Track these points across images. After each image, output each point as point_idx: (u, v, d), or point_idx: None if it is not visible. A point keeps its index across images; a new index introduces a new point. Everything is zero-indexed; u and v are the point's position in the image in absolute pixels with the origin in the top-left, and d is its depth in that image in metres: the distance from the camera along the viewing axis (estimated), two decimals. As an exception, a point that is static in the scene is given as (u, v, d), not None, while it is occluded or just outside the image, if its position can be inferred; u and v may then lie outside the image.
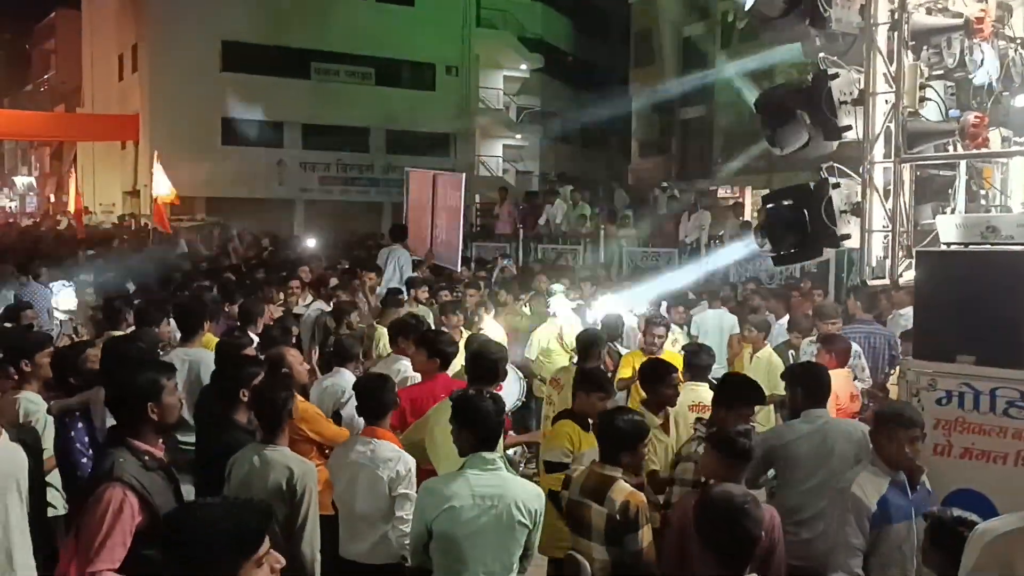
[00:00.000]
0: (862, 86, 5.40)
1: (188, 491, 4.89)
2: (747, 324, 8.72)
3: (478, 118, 35.52)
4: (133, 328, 6.97)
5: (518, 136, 37.34)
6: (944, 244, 5.29)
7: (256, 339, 6.66)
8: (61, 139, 37.76)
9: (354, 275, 10.51)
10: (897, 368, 6.15)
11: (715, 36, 29.58)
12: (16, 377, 5.31)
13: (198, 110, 28.95)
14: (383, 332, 8.00)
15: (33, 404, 5.13)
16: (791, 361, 7.58)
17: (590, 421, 5.13)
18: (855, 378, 7.08)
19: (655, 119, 33.60)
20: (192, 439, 5.53)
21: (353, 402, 5.79)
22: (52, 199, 40.49)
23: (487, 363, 5.30)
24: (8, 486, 3.84)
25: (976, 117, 5.28)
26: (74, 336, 7.37)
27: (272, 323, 7.61)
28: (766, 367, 7.98)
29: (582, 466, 4.64)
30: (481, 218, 23.71)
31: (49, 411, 4.88)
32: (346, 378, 6.12)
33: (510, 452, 5.21)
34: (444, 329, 7.34)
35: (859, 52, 5.50)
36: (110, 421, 3.98)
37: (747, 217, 19.34)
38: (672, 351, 7.65)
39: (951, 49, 5.39)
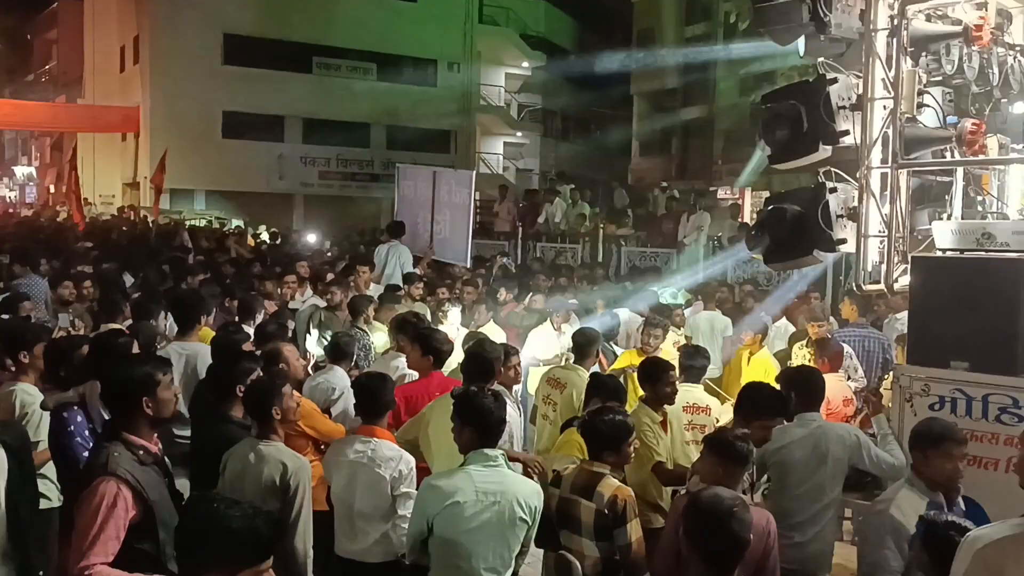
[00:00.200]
0: (860, 91, 5.41)
1: (183, 484, 4.93)
2: (743, 326, 8.74)
3: (479, 115, 35.51)
4: (130, 321, 6.99)
5: (519, 134, 37.33)
6: (940, 250, 5.31)
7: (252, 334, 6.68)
8: (61, 130, 37.66)
9: (351, 271, 10.51)
10: (891, 373, 6.16)
11: (717, 36, 29.55)
12: (13, 369, 5.33)
13: (199, 103, 28.95)
14: (377, 327, 8.03)
15: (29, 396, 5.14)
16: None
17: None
18: (848, 379, 7.12)
19: (656, 119, 33.60)
20: (188, 432, 5.54)
21: (344, 400, 5.84)
22: (52, 189, 40.44)
23: (483, 362, 5.32)
24: None
25: (973, 124, 5.29)
26: (71, 329, 7.35)
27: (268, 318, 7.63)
28: (763, 370, 8.01)
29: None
30: (480, 216, 23.70)
31: (45, 405, 4.88)
32: (338, 376, 6.13)
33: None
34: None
35: (858, 57, 5.51)
36: (106, 415, 3.99)
37: (746, 218, 19.35)
38: (670, 352, 7.67)
39: (950, 56, 5.40)
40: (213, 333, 6.65)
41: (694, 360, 6.42)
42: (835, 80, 5.35)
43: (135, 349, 5.65)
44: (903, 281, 5.44)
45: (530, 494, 4.05)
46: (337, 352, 6.35)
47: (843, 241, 5.41)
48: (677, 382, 5.88)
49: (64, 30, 43.13)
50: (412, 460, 4.68)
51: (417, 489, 4.46)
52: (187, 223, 20.94)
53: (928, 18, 5.46)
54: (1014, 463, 4.54)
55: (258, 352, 5.72)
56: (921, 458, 4.21)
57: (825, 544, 5.12)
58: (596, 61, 34.50)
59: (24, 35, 50.65)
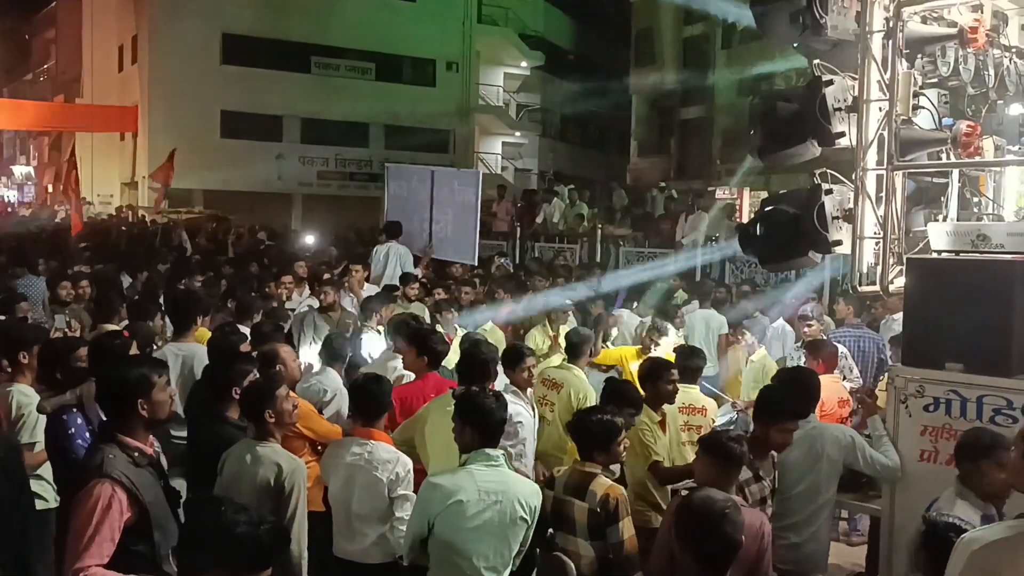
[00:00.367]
0: (856, 93, 5.42)
1: (180, 485, 4.93)
2: (740, 327, 8.76)
3: (477, 115, 35.51)
4: (126, 322, 6.99)
5: (517, 134, 37.32)
6: (935, 251, 5.32)
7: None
8: (60, 129, 37.66)
9: (348, 271, 10.52)
10: (885, 374, 6.18)
11: (715, 37, 29.58)
12: (9, 370, 5.33)
13: (198, 102, 28.92)
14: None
15: (25, 397, 5.14)
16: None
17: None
18: (844, 379, 7.13)
19: (654, 119, 33.61)
20: (185, 433, 5.55)
21: (336, 402, 5.84)
22: (50, 189, 40.41)
23: (478, 362, 5.33)
24: None
25: (968, 126, 5.30)
26: (67, 330, 7.35)
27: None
28: (760, 370, 8.04)
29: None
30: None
31: (42, 408, 4.88)
32: (331, 377, 6.13)
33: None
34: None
35: (854, 59, 5.52)
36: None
37: (744, 219, 19.34)
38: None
39: (945, 58, 5.41)
40: (210, 334, 6.65)
41: (690, 360, 6.43)
42: (831, 82, 5.36)
43: (134, 350, 5.66)
44: (898, 282, 5.45)
45: (530, 494, 4.07)
46: (330, 354, 6.34)
47: (839, 242, 5.42)
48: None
49: (62, 29, 43.11)
50: (409, 462, 4.69)
51: (415, 490, 4.47)
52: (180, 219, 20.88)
53: (924, 20, 5.47)
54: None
55: (254, 353, 5.71)
56: (973, 469, 4.08)
57: (821, 544, 5.14)
58: (595, 61, 34.60)
59: (22, 34, 50.62)
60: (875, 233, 5.45)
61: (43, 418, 4.91)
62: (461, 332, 8.04)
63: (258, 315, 7.63)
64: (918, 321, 5.14)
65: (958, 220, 5.56)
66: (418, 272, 11.25)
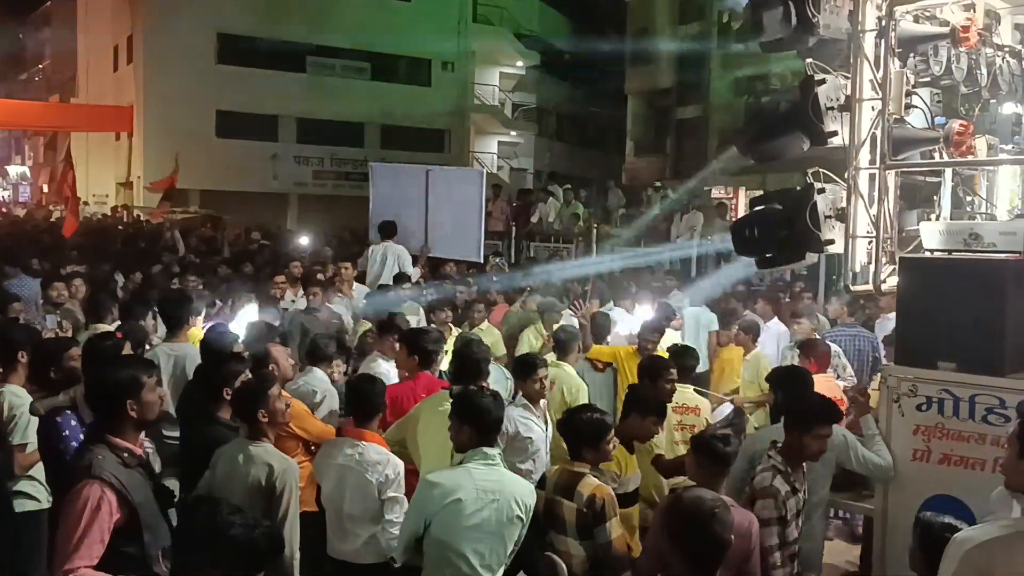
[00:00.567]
0: (849, 92, 5.41)
1: (173, 486, 4.92)
2: (735, 327, 8.76)
3: (473, 114, 35.50)
4: (119, 322, 6.97)
5: (513, 133, 37.30)
6: (928, 251, 5.33)
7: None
8: (55, 129, 37.57)
9: (338, 270, 10.52)
10: (878, 373, 6.17)
11: (711, 36, 29.56)
12: (1, 371, 5.32)
13: (193, 102, 28.86)
14: (367, 327, 8.03)
15: (17, 398, 5.13)
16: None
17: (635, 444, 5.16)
18: (838, 377, 7.14)
19: (650, 118, 33.60)
20: (177, 433, 5.53)
21: (328, 403, 5.82)
22: (46, 189, 40.33)
23: (470, 362, 5.33)
24: None
25: (961, 125, 5.30)
26: (59, 330, 7.33)
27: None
28: (755, 369, 8.05)
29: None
30: (474, 215, 23.64)
31: (35, 410, 4.87)
32: (318, 378, 6.12)
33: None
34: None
35: (846, 58, 5.52)
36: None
37: (736, 218, 19.32)
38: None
39: (938, 57, 5.41)
40: (201, 334, 6.63)
41: (684, 360, 6.44)
42: (823, 81, 5.36)
43: (127, 350, 5.65)
44: (891, 282, 5.45)
45: (526, 493, 4.10)
46: (316, 354, 6.32)
47: (831, 242, 5.42)
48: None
49: (57, 29, 43.01)
50: (400, 464, 4.69)
51: (409, 490, 4.46)
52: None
53: (916, 19, 5.46)
54: (1001, 463, 4.57)
55: (247, 353, 5.70)
56: None
57: (814, 543, 5.15)
58: (590, 60, 34.57)
59: (17, 34, 50.48)
60: (868, 232, 5.45)
61: (35, 419, 4.90)
62: (456, 332, 8.05)
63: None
64: (911, 320, 5.14)
65: (951, 219, 5.56)
66: (416, 271, 11.23)
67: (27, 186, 44.36)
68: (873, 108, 5.37)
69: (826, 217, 5.39)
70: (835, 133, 5.39)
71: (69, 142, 28.57)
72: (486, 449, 4.06)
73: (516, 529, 4.04)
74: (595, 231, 17.20)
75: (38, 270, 10.76)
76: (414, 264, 11.54)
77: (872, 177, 5.45)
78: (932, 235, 5.28)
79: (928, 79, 5.53)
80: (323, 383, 6.05)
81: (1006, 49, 5.89)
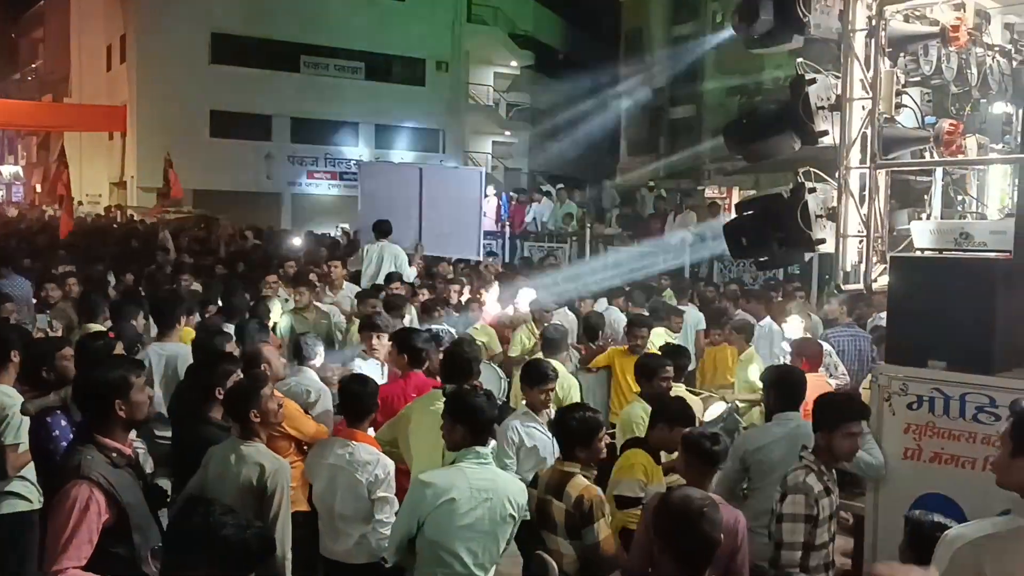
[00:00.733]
0: (839, 92, 5.42)
1: (165, 485, 4.91)
2: (729, 327, 8.77)
3: (467, 114, 35.49)
4: (110, 323, 6.96)
5: (507, 133, 37.32)
6: (918, 250, 5.34)
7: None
8: (48, 129, 37.51)
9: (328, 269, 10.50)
10: (869, 373, 6.19)
11: (704, 36, 29.59)
12: (-8, 371, 5.30)
13: (186, 102, 28.85)
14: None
15: (8, 398, 5.11)
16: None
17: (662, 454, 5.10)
18: (830, 376, 7.15)
19: (644, 118, 33.63)
20: (169, 433, 5.53)
21: (323, 401, 5.82)
22: (39, 189, 40.21)
23: (461, 361, 5.32)
24: None
25: (951, 124, 5.31)
26: (48, 330, 7.32)
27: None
28: (748, 369, 8.06)
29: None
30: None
31: (26, 410, 4.86)
32: (308, 377, 6.12)
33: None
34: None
35: (837, 57, 5.52)
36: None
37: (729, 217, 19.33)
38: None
39: (928, 56, 5.41)
40: (194, 333, 6.63)
41: (676, 359, 6.45)
42: (814, 80, 5.36)
43: (119, 350, 5.64)
44: (882, 281, 5.46)
45: (518, 492, 4.10)
46: (301, 354, 6.30)
47: (822, 241, 5.42)
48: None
49: (50, 29, 42.95)
50: (390, 464, 4.69)
51: (399, 491, 4.46)
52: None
53: (906, 19, 5.47)
54: (991, 462, 4.59)
55: (238, 353, 5.70)
56: None
57: (804, 542, 5.14)
58: (584, 60, 34.57)
59: (9, 34, 50.38)
60: (858, 231, 5.45)
61: (27, 419, 4.89)
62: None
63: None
64: (902, 319, 5.15)
65: (942, 218, 5.57)
66: (413, 271, 11.21)
67: (20, 186, 44.21)
68: (863, 107, 5.37)
69: (817, 217, 5.38)
70: (825, 132, 5.39)
71: (62, 141, 28.54)
72: (479, 448, 4.06)
73: (509, 528, 4.04)
74: (589, 230, 17.22)
75: (30, 270, 10.75)
76: (409, 263, 11.51)
77: (863, 176, 5.46)
78: (923, 234, 5.29)
79: (918, 79, 5.53)
80: (315, 382, 6.05)
81: (996, 49, 5.90)
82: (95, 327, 6.76)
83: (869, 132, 5.33)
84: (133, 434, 3.81)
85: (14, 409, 5.03)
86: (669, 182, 27.38)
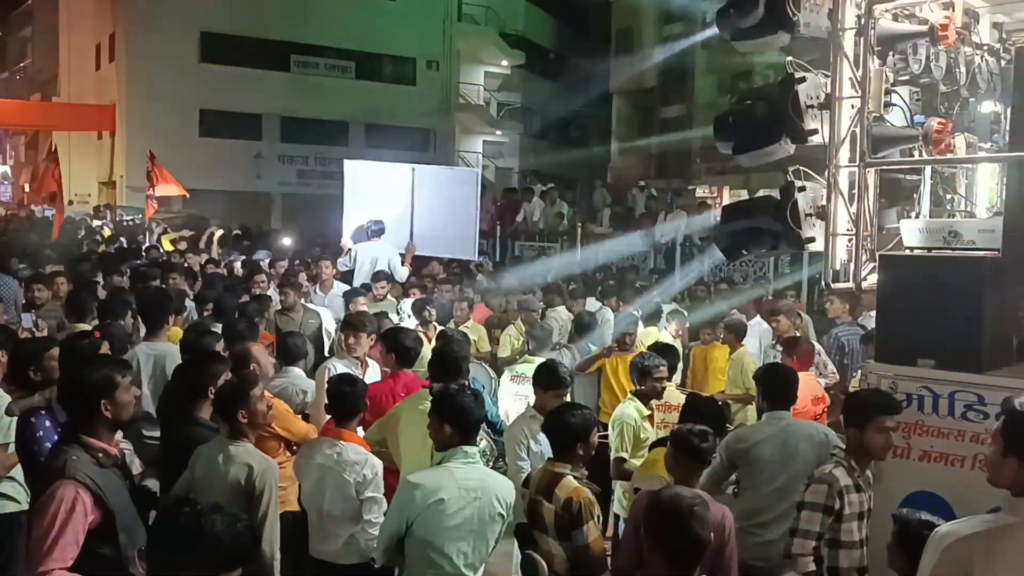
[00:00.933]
0: (829, 90, 5.43)
1: (154, 486, 4.89)
2: (720, 326, 8.77)
3: (458, 113, 35.47)
4: (97, 322, 6.92)
5: (498, 132, 37.28)
6: (907, 248, 5.35)
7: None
8: (37, 128, 37.31)
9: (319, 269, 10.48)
10: (859, 371, 6.21)
11: (695, 36, 29.63)
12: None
13: (176, 101, 28.72)
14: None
15: (-3, 398, 5.09)
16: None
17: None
18: (819, 375, 7.16)
19: (635, 117, 33.68)
20: (158, 433, 5.50)
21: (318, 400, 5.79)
22: (27, 188, 40.00)
23: (450, 360, 5.31)
24: None
25: (939, 123, 5.32)
26: (35, 329, 7.27)
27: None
28: (740, 367, 8.06)
29: None
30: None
31: (11, 411, 4.82)
32: (297, 376, 6.09)
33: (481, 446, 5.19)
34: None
35: (827, 56, 5.53)
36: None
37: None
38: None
39: (917, 55, 5.43)
40: (181, 333, 6.59)
41: (666, 358, 6.44)
42: (803, 79, 5.37)
43: (105, 350, 5.60)
44: (871, 279, 5.47)
45: (507, 490, 4.10)
46: (289, 354, 6.28)
47: (812, 239, 5.43)
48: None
49: (39, 27, 42.67)
50: (378, 464, 4.67)
51: (388, 491, 4.44)
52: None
53: (895, 17, 5.49)
54: (981, 459, 4.60)
55: (227, 353, 5.67)
56: None
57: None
58: (575, 60, 34.61)
59: (-2, 33, 50.11)
60: (848, 230, 5.47)
61: (14, 419, 4.85)
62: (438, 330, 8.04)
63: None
64: (891, 318, 5.15)
65: (931, 217, 5.59)
66: (405, 271, 11.20)
67: (8, 186, 43.95)
68: (853, 106, 5.39)
69: (807, 215, 5.40)
70: (815, 131, 5.40)
71: (51, 140, 28.42)
72: (466, 448, 4.05)
73: (498, 526, 4.04)
74: (580, 230, 17.24)
75: (18, 270, 10.68)
76: (403, 263, 11.49)
77: (852, 175, 5.47)
78: (912, 233, 5.30)
79: (907, 77, 5.55)
80: (306, 382, 6.03)
81: (985, 47, 5.92)
82: (82, 327, 6.72)
83: (858, 131, 5.34)
84: (119, 435, 3.78)
85: (1, 410, 5.00)
86: (660, 181, 27.42)
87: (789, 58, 5.54)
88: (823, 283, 5.91)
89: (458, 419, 4.07)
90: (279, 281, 9.65)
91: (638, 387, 5.94)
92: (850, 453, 4.38)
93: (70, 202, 26.56)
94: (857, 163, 5.38)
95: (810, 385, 6.56)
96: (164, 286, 9.66)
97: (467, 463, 4.02)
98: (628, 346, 7.70)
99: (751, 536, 4.88)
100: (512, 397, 6.82)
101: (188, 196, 20.66)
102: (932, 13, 5.48)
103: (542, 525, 4.26)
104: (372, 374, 6.35)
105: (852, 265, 5.48)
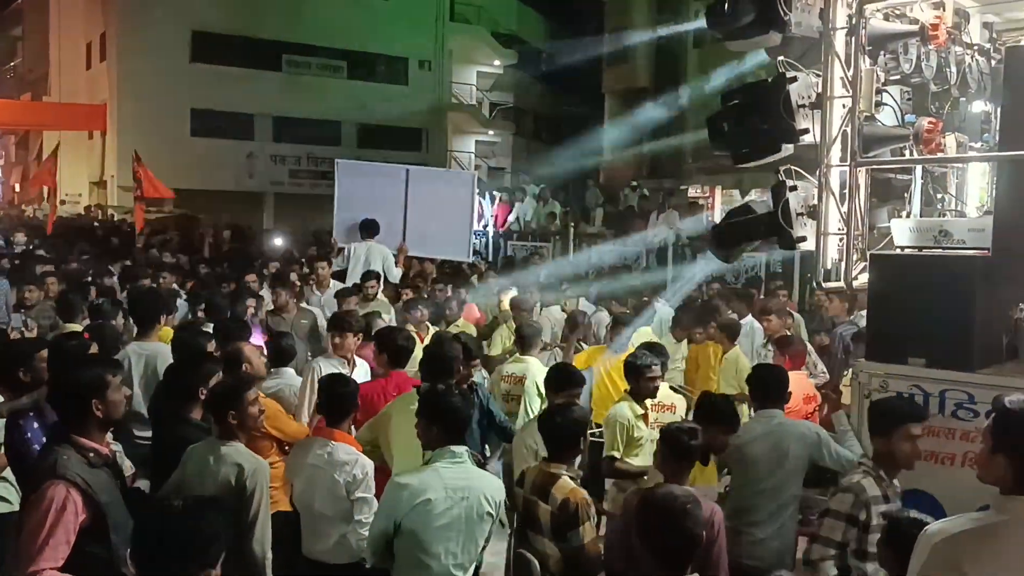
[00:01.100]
0: (820, 90, 5.45)
1: (146, 485, 4.88)
2: (714, 326, 8.78)
3: (450, 113, 35.44)
4: (88, 322, 6.90)
5: (490, 132, 37.28)
6: (898, 247, 5.37)
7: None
8: (27, 128, 37.16)
9: (314, 269, 10.47)
10: (850, 370, 6.22)
11: (687, 36, 29.66)
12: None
13: (167, 101, 28.62)
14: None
15: (-16, 399, 5.05)
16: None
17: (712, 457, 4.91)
18: (810, 375, 7.18)
19: (627, 117, 33.68)
20: (149, 433, 5.48)
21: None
22: (18, 188, 39.82)
23: (442, 360, 5.30)
24: None
25: (930, 123, 5.35)
26: (24, 329, 7.24)
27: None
28: (734, 368, 8.06)
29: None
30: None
31: None
32: (291, 377, 6.07)
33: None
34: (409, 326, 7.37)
35: (818, 56, 5.55)
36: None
37: (716, 218, 19.44)
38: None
39: (908, 55, 5.46)
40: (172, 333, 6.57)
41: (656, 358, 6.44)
42: (795, 79, 5.39)
43: (95, 350, 5.58)
44: (862, 279, 5.49)
45: (495, 489, 4.09)
46: (280, 355, 6.25)
47: (803, 239, 5.45)
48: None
49: (29, 26, 42.48)
50: (369, 464, 4.66)
51: (378, 491, 4.44)
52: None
53: (886, 17, 5.51)
54: (971, 457, 4.62)
55: (218, 353, 5.65)
56: None
57: (787, 540, 5.15)
58: (567, 59, 34.62)
59: (-12, 32, 49.85)
60: (839, 229, 5.49)
61: (2, 420, 4.82)
62: (432, 330, 8.04)
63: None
64: (882, 316, 5.17)
65: (921, 216, 5.61)
66: (399, 271, 11.19)
67: (-1, 185, 43.80)
68: (844, 106, 5.42)
69: (798, 214, 5.42)
70: (807, 131, 5.42)
71: (42, 139, 28.30)
72: (453, 448, 4.03)
73: (487, 526, 4.03)
74: (572, 230, 17.25)
75: (8, 269, 10.65)
76: (394, 263, 11.47)
77: (843, 174, 5.49)
78: (902, 232, 5.33)
79: (898, 77, 5.58)
80: (298, 382, 6.01)
81: (975, 47, 5.96)
82: (73, 327, 6.70)
83: (849, 130, 5.36)
84: (109, 436, 3.76)
85: (-11, 412, 4.97)
86: (652, 181, 27.43)
87: (780, 58, 5.55)
88: (814, 282, 5.92)
89: (445, 419, 4.05)
90: (271, 281, 9.63)
91: (631, 386, 5.92)
92: (878, 463, 4.25)
93: (62, 202, 26.46)
94: (848, 162, 5.40)
95: (802, 384, 6.57)
96: (155, 285, 9.64)
97: (454, 463, 4.01)
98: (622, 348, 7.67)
99: (742, 535, 4.89)
100: (502, 397, 6.81)
101: (173, 196, 20.50)
102: (923, 13, 5.51)
103: (537, 525, 4.26)
104: (359, 373, 6.33)
105: (843, 264, 5.50)
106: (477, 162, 36.27)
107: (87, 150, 33.98)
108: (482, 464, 5.08)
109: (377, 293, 9.57)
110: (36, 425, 4.59)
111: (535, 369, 6.69)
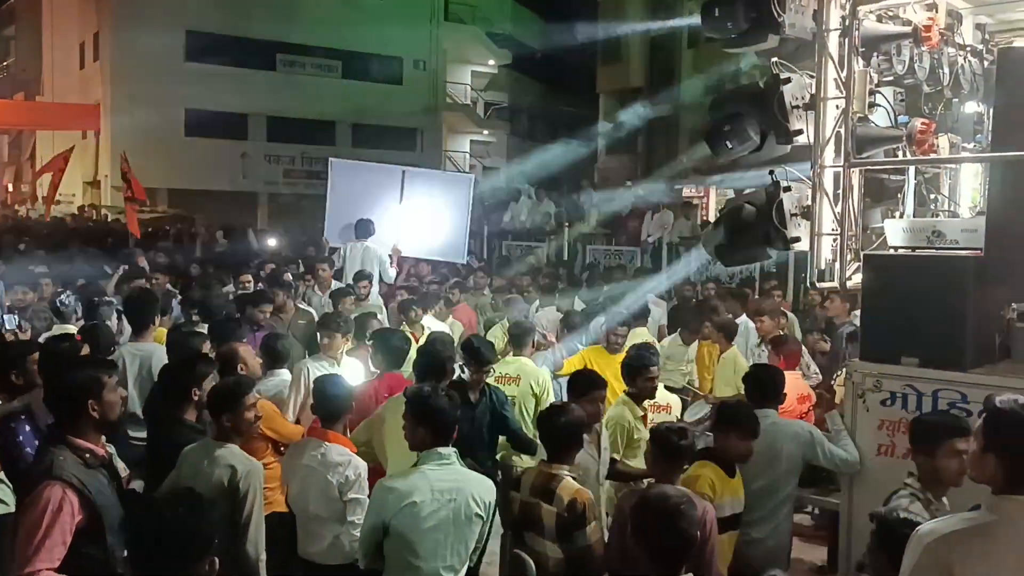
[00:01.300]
0: (814, 91, 5.46)
1: (139, 487, 4.87)
2: (710, 325, 8.79)
3: (445, 113, 35.45)
4: (82, 322, 6.89)
5: (485, 132, 37.30)
6: (892, 248, 5.39)
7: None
8: (20, 127, 37.04)
9: (310, 271, 10.46)
10: (843, 370, 6.24)
11: (682, 36, 29.70)
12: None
13: (161, 100, 28.53)
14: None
15: (-21, 401, 5.04)
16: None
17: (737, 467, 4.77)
18: (803, 375, 7.20)
19: (622, 117, 33.70)
20: (144, 434, 5.48)
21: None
22: (11, 188, 39.70)
23: (434, 361, 5.30)
24: None
25: (923, 123, 5.37)
26: (18, 331, 7.22)
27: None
28: (731, 368, 8.07)
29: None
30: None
31: None
32: (286, 376, 6.08)
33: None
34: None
35: (809, 54, 5.57)
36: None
37: (709, 217, 19.49)
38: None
39: (901, 56, 5.47)
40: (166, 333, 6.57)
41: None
42: (788, 80, 5.40)
43: (86, 351, 5.57)
44: (856, 279, 5.51)
45: (484, 490, 4.06)
46: (273, 356, 6.24)
47: (797, 239, 5.46)
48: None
49: (22, 26, 42.33)
50: (362, 465, 4.66)
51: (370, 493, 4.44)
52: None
53: (879, 19, 5.53)
54: (964, 457, 4.63)
55: (213, 354, 5.65)
56: None
57: (782, 539, 5.17)
58: (562, 59, 34.64)
59: (-19, 31, 49.65)
60: (833, 230, 5.50)
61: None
62: (427, 331, 8.03)
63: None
64: (875, 316, 5.19)
65: (915, 217, 5.63)
66: (394, 272, 11.18)
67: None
68: (837, 107, 5.43)
69: (792, 215, 5.43)
70: (800, 131, 5.43)
71: (35, 139, 28.21)
72: (440, 449, 4.01)
73: (476, 527, 4.01)
74: (567, 230, 17.26)
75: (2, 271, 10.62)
76: (389, 264, 11.47)
77: (837, 175, 5.51)
78: (896, 232, 5.35)
79: (891, 78, 5.59)
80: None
81: (968, 48, 5.98)
82: (69, 328, 6.69)
83: (843, 131, 5.38)
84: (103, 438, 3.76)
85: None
86: (647, 181, 27.43)
87: (774, 59, 5.57)
88: (808, 282, 5.94)
89: (432, 421, 4.02)
90: (267, 282, 9.62)
91: (630, 388, 5.92)
92: (924, 484, 4.01)
93: (57, 202, 26.40)
94: (842, 163, 5.42)
95: (796, 384, 6.59)
96: (149, 286, 9.62)
97: (442, 465, 3.98)
98: (618, 347, 7.65)
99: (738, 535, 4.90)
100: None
101: (145, 199, 20.35)
102: (916, 14, 5.53)
103: (538, 527, 4.26)
104: (349, 373, 6.32)
105: (837, 264, 5.51)
106: (472, 162, 36.29)
107: (81, 150, 33.76)
108: (491, 473, 5.08)
109: (369, 294, 9.57)
110: (28, 428, 4.59)
111: (528, 369, 6.71)
